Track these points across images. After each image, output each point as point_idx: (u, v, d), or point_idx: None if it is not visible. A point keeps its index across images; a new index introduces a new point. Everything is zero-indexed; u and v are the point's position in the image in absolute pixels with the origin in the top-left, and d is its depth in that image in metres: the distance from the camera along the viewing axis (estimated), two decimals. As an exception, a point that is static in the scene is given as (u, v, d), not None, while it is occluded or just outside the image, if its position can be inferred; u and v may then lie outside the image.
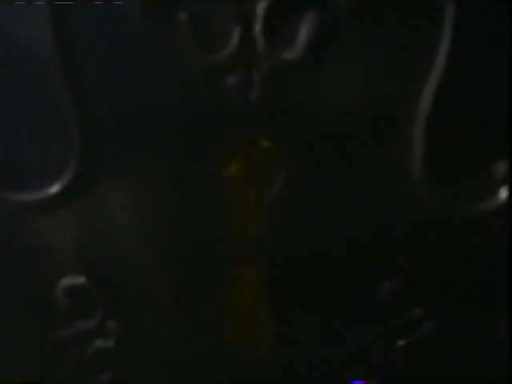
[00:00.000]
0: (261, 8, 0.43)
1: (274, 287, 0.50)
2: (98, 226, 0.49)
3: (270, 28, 0.44)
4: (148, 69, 0.45)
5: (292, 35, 0.44)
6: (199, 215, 0.48)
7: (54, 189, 0.48)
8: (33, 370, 0.52)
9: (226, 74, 0.45)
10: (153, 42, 0.44)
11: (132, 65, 0.45)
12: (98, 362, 0.52)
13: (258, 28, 0.44)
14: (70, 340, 0.52)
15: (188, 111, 0.46)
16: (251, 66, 0.45)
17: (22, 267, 0.50)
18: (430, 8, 0.44)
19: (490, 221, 0.48)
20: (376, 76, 0.45)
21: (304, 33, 0.44)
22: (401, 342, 0.51)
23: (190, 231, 0.49)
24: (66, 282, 0.50)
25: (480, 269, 0.49)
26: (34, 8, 0.43)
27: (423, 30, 0.44)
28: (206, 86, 0.45)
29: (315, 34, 0.44)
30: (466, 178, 0.47)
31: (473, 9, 0.43)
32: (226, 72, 0.45)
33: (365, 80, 0.45)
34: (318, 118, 0.46)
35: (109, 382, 0.52)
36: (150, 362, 0.52)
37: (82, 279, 0.50)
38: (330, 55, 0.45)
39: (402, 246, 0.49)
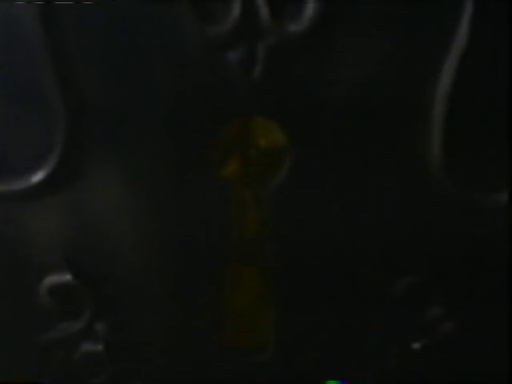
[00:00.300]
0: (263, -25, 0.40)
1: (277, 287, 0.48)
2: (85, 219, 0.47)
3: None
4: (141, 47, 0.42)
5: (299, 5, 0.42)
6: (195, 208, 0.46)
7: (37, 177, 0.45)
8: (15, 375, 0.51)
9: (226, 50, 0.42)
10: (146, 15, 0.42)
11: (123, 42, 0.42)
12: (86, 368, 0.51)
13: (261, -3, 0.40)
14: (56, 343, 0.51)
15: (184, 92, 0.43)
16: (254, 40, 0.42)
17: (1, 263, 0.48)
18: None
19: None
20: (392, 54, 0.43)
21: (312, 1, 0.41)
22: (417, 345, 0.49)
23: (185, 225, 0.47)
24: (51, 280, 0.49)
25: (504, 266, 0.47)
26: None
27: (442, 4, 0.42)
28: (203, 63, 0.42)
29: (325, 3, 0.41)
30: (488, 165, 0.45)
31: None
32: (225, 47, 0.42)
33: (380, 58, 0.43)
34: (328, 100, 0.44)
35: (98, 388, 0.51)
36: (143, 366, 0.51)
37: (68, 277, 0.48)
38: (341, 28, 0.42)
39: (419, 239, 0.47)
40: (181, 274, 0.48)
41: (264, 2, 0.41)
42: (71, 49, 0.42)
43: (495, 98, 0.43)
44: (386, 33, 0.42)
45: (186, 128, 0.44)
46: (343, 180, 0.45)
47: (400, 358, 0.49)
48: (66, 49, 0.42)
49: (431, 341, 0.49)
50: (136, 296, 0.49)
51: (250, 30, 0.41)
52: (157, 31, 0.42)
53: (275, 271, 0.48)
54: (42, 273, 0.48)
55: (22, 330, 0.50)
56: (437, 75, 0.43)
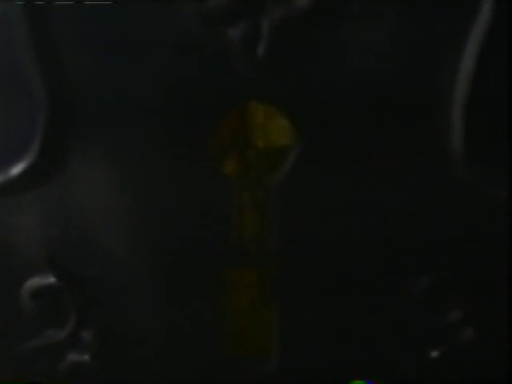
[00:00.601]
0: None
1: (281, 290, 0.47)
2: (70, 215, 0.45)
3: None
4: (131, 25, 0.41)
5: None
6: (191, 204, 0.45)
7: (17, 170, 0.44)
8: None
9: (226, 25, 0.40)
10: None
11: (111, 20, 0.41)
12: (72, 379, 0.49)
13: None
14: (39, 352, 0.49)
15: (179, 74, 0.42)
16: (257, 14, 0.40)
17: (-22, 265, 0.47)
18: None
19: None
20: (408, 34, 0.41)
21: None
22: (435, 353, 0.47)
23: (181, 223, 0.45)
24: (33, 282, 0.47)
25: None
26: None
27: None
28: (201, 41, 0.41)
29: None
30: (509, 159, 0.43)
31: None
32: (225, 22, 0.40)
33: (395, 37, 0.41)
34: (338, 84, 0.42)
35: (84, 400, 0.49)
36: (133, 378, 0.49)
37: (51, 279, 0.47)
38: (355, 2, 0.40)
39: (437, 236, 0.45)
40: (176, 277, 0.46)
41: (268, -28, 0.39)
42: (54, 32, 0.41)
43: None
44: (401, 10, 0.41)
45: (182, 116, 0.43)
46: (355, 174, 0.44)
47: (417, 366, 0.47)
48: (48, 33, 0.41)
49: (450, 348, 0.47)
50: (127, 300, 0.47)
51: (252, 3, 0.40)
52: (149, 6, 0.40)
53: (279, 274, 0.46)
54: (23, 275, 0.47)
55: (0, 338, 0.49)
56: (456, 64, 0.42)
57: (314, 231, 0.45)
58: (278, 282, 0.46)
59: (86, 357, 0.49)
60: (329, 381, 0.47)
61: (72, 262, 0.46)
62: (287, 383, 0.48)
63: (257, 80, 0.42)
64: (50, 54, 0.41)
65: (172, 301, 0.47)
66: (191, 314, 0.47)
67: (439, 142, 0.43)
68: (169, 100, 0.42)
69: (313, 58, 0.41)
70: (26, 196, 0.45)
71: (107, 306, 0.47)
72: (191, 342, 0.48)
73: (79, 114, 0.43)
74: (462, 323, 0.47)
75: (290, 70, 0.42)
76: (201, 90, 0.42)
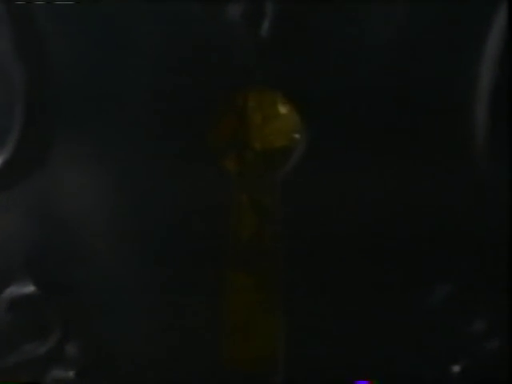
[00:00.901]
0: None
1: (286, 296, 0.45)
2: (51, 215, 0.44)
3: None
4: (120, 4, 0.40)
5: None
6: (185, 204, 0.44)
7: None
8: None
9: (227, 2, 0.40)
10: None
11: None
12: None
13: None
14: (18, 369, 0.47)
15: (175, 56, 0.41)
16: None
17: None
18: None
19: None
20: (427, 18, 0.41)
21: None
22: (457, 368, 0.45)
23: (172, 223, 0.44)
24: (11, 292, 0.46)
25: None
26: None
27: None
28: (199, 19, 0.40)
29: None
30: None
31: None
32: None
33: (413, 20, 0.41)
34: (350, 70, 0.41)
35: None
36: None
37: (31, 288, 0.45)
38: None
39: (460, 239, 0.43)
40: (169, 283, 0.45)
41: None
42: (34, 23, 0.41)
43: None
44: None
45: (178, 104, 0.42)
46: (366, 171, 0.43)
47: (437, 381, 0.46)
48: (28, 24, 0.41)
49: (474, 362, 0.46)
50: (116, 310, 0.46)
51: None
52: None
53: (284, 279, 0.45)
54: (0, 283, 0.46)
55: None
56: (479, 54, 0.41)
57: (318, 234, 0.44)
58: (279, 287, 0.45)
59: (71, 373, 0.47)
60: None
61: (54, 267, 0.45)
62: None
63: (259, 64, 0.41)
64: (30, 46, 0.41)
65: (166, 311, 0.45)
66: (186, 325, 0.46)
67: (461, 137, 0.42)
68: (161, 88, 0.42)
69: (322, 41, 0.41)
70: (1, 194, 0.44)
71: (94, 317, 0.46)
72: (186, 356, 0.46)
73: (60, 108, 0.42)
74: (487, 334, 0.45)
75: (297, 53, 0.41)
76: (197, 75, 0.41)
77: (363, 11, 0.40)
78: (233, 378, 0.47)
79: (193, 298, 0.45)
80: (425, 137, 0.42)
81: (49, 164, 0.43)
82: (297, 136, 0.43)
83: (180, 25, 0.40)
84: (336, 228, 0.44)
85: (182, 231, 0.44)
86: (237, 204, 0.44)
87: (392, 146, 0.42)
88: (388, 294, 0.45)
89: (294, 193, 0.43)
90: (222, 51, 0.41)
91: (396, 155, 0.42)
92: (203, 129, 0.42)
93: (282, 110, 0.43)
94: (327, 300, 0.45)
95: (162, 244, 0.44)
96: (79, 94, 0.42)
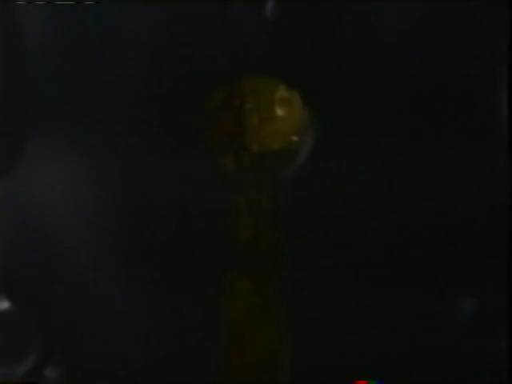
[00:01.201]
0: None
1: (286, 299, 0.44)
2: (27, 219, 0.43)
3: None
4: None
5: None
6: (181, 206, 0.42)
7: None
8: None
9: None
10: None
11: None
12: None
13: None
14: None
15: (168, 42, 0.40)
16: None
17: None
18: None
19: None
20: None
21: None
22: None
23: (167, 226, 0.43)
24: None
25: None
26: None
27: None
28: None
29: None
30: None
31: None
32: None
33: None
34: (364, 55, 0.40)
35: None
36: None
37: (4, 304, 0.44)
38: None
39: (484, 245, 0.41)
40: (162, 296, 0.43)
41: None
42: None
43: None
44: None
45: (170, 92, 0.41)
46: (374, 167, 0.41)
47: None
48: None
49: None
50: (101, 327, 0.44)
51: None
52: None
53: (284, 281, 0.44)
54: None
55: None
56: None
57: (323, 237, 0.43)
58: (279, 289, 0.44)
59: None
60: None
61: (31, 280, 0.43)
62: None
63: (263, 44, 0.40)
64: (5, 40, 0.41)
65: (157, 326, 0.43)
66: (181, 341, 0.44)
67: (486, 130, 0.41)
68: (154, 70, 0.40)
69: (335, 23, 0.40)
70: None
71: (76, 336, 0.44)
72: (182, 365, 0.44)
73: (38, 94, 0.41)
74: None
75: (306, 37, 0.40)
76: (196, 61, 0.40)
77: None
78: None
79: (187, 312, 0.43)
80: (440, 130, 0.41)
81: (24, 162, 0.42)
82: (295, 138, 0.43)
83: (176, 10, 0.39)
84: (341, 229, 0.42)
85: (178, 234, 0.43)
86: (234, 206, 0.43)
87: (410, 143, 0.41)
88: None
89: (295, 193, 0.42)
90: (223, 32, 0.40)
91: (413, 152, 0.41)
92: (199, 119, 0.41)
93: (280, 111, 0.43)
94: (329, 303, 0.43)
95: (153, 251, 0.43)
96: (59, 84, 0.41)
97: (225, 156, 0.44)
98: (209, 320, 0.44)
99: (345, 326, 0.44)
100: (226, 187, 0.43)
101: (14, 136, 0.42)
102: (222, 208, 0.43)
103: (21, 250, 0.43)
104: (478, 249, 0.43)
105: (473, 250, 0.43)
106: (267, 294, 0.44)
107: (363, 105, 0.42)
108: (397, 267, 0.43)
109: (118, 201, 0.43)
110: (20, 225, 0.43)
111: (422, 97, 0.41)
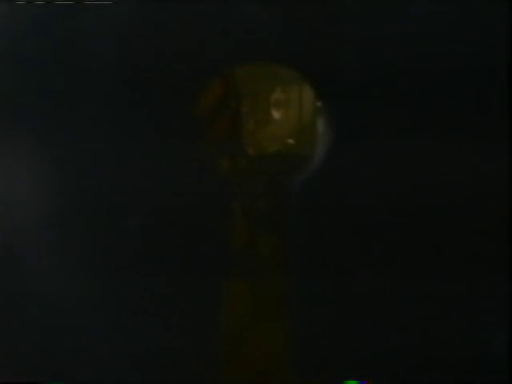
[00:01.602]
0: None
1: (285, 303, 0.43)
2: None
3: None
4: None
5: None
6: (177, 209, 0.41)
7: None
8: None
9: None
10: None
11: None
12: None
13: None
14: None
15: (161, 27, 0.38)
16: None
17: None
18: None
19: None
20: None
21: None
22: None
23: (163, 229, 0.41)
24: None
25: None
26: None
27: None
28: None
29: None
30: None
31: None
32: None
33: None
34: (378, 42, 0.39)
35: None
36: None
37: None
38: None
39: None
40: (161, 297, 0.41)
41: None
42: None
43: None
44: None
45: (160, 83, 0.39)
46: (388, 164, 0.40)
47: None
48: None
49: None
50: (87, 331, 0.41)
51: None
52: None
53: (283, 285, 0.42)
54: None
55: None
56: None
57: (326, 239, 0.42)
58: (278, 294, 0.43)
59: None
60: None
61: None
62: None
63: (270, 32, 0.38)
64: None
65: (155, 331, 0.40)
66: (179, 344, 0.41)
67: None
68: (147, 59, 0.38)
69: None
70: None
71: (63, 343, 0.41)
72: (180, 370, 0.41)
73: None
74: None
75: (315, 21, 0.38)
76: (190, 47, 0.38)
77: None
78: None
79: (184, 315, 0.41)
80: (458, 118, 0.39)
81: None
82: (291, 141, 0.43)
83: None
84: (340, 229, 0.41)
85: (174, 237, 0.41)
86: (231, 210, 0.42)
87: (426, 135, 0.39)
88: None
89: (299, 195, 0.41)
90: (221, 17, 0.38)
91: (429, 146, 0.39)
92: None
93: (276, 114, 0.42)
94: (328, 307, 0.41)
95: (148, 255, 0.41)
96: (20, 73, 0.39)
97: (221, 159, 0.43)
98: (207, 324, 0.42)
99: (345, 329, 0.42)
100: (222, 192, 0.42)
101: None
102: (218, 212, 0.41)
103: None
104: (481, 243, 0.41)
105: (477, 244, 0.41)
106: (265, 298, 0.43)
107: (375, 96, 0.40)
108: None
109: (107, 205, 0.40)
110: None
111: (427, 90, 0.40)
